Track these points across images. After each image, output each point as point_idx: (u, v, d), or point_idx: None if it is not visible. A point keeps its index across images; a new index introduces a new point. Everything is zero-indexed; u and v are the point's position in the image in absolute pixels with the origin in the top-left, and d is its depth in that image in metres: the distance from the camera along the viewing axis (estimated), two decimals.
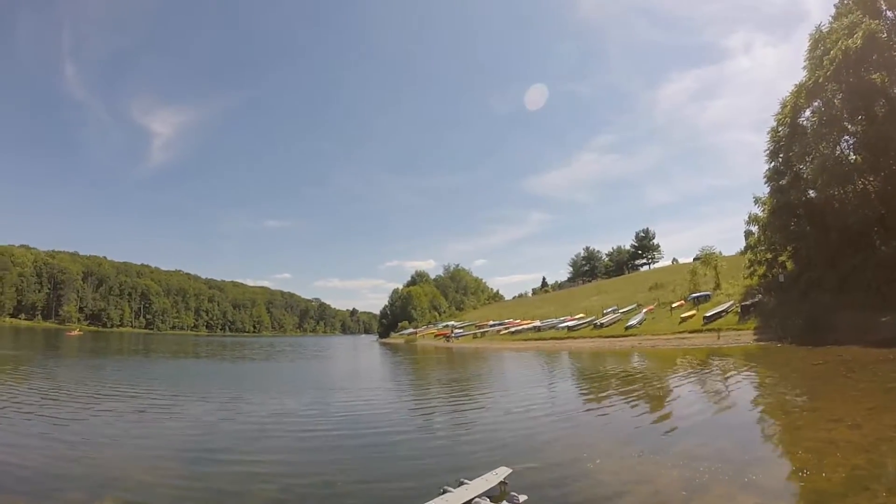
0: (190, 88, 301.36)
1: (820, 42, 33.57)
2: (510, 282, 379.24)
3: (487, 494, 7.64)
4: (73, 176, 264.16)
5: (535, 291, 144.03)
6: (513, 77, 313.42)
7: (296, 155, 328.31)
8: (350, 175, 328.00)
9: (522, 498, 7.50)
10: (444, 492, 7.68)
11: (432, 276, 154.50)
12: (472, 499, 7.40)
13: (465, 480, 7.99)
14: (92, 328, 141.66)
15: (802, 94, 34.16)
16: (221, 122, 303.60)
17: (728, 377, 20.97)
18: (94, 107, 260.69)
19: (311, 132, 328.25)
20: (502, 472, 8.35)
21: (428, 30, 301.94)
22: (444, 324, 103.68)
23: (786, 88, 36.87)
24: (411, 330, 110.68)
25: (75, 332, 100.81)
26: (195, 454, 10.89)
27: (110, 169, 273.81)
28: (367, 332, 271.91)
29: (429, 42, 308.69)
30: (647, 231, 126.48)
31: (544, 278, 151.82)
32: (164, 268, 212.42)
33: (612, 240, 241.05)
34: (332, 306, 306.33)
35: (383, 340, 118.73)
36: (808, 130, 34.23)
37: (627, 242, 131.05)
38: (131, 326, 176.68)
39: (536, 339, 59.23)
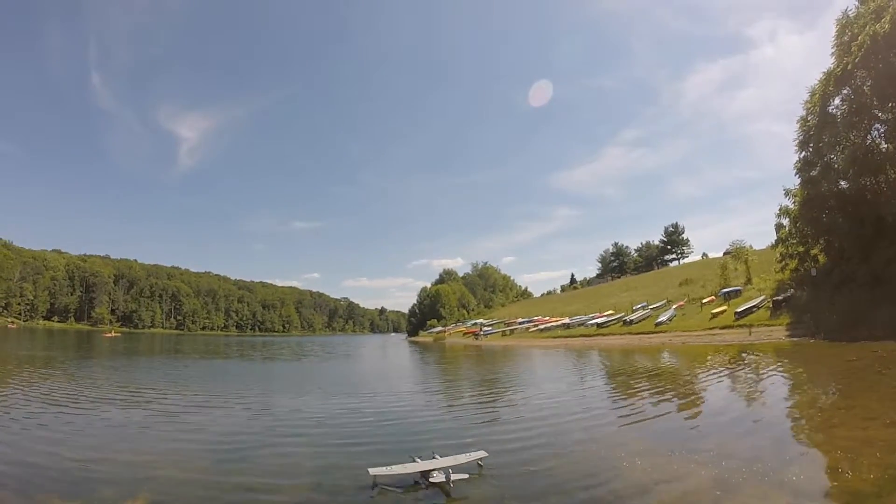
0: (216, 93, 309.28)
1: (847, 28, 32.74)
2: (539, 279, 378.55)
3: (462, 471, 8.84)
4: (104, 181, 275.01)
5: (563, 288, 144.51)
6: (537, 73, 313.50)
7: (323, 156, 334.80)
8: (377, 175, 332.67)
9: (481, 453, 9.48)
10: (413, 460, 9.09)
11: (460, 274, 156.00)
12: (436, 468, 8.63)
13: (437, 455, 9.18)
14: (123, 329, 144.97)
15: (831, 82, 33.28)
16: (248, 126, 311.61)
17: (760, 374, 20.74)
18: (122, 114, 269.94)
19: (338, 133, 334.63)
20: (476, 455, 9.49)
21: (451, 28, 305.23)
22: (473, 322, 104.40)
23: (814, 76, 36.37)
24: (440, 328, 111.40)
25: (112, 334, 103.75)
26: (226, 453, 11.11)
27: (139, 174, 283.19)
28: (395, 330, 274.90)
29: (453, 40, 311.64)
30: (675, 225, 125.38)
31: (573, 275, 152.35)
32: (193, 269, 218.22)
33: (641, 235, 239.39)
34: (361, 305, 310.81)
35: (412, 339, 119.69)
36: (838, 119, 33.39)
37: (656, 237, 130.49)
38: (162, 327, 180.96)
39: (565, 337, 59.28)
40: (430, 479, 8.56)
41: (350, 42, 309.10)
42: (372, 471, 8.49)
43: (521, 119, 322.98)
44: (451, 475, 8.46)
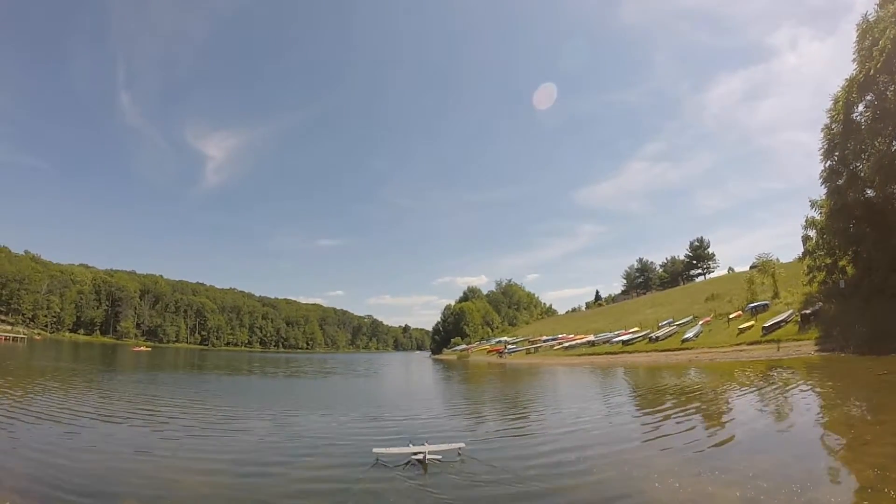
0: (241, 113, 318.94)
1: (868, 32, 32.05)
2: (563, 296, 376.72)
3: (445, 458, 11.18)
4: (131, 198, 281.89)
5: (588, 305, 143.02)
6: (559, 88, 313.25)
7: (347, 174, 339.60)
8: (400, 193, 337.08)
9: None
10: (408, 445, 11.72)
11: (484, 292, 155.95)
12: (428, 452, 10.93)
13: (427, 443, 11.46)
14: (149, 344, 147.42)
15: (854, 89, 32.73)
16: (272, 145, 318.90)
17: (789, 390, 20.23)
18: (149, 133, 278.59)
19: (361, 150, 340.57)
20: (457, 445, 11.91)
21: (471, 44, 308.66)
22: (497, 339, 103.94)
23: (836, 83, 35.36)
24: (464, 346, 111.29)
25: (141, 348, 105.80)
26: (249, 467, 11.15)
27: (166, 191, 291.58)
28: (419, 348, 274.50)
29: (472, 56, 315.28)
30: (701, 240, 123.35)
31: (598, 292, 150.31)
32: (218, 286, 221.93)
33: (666, 250, 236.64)
34: (385, 323, 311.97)
35: (436, 357, 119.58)
36: (862, 126, 32.77)
37: (682, 252, 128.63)
38: (187, 342, 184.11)
39: (590, 354, 58.72)
40: (417, 458, 10.98)
41: (370, 59, 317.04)
42: (375, 450, 11.50)
43: (544, 135, 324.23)
44: (430, 457, 10.86)
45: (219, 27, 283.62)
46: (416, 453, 11.10)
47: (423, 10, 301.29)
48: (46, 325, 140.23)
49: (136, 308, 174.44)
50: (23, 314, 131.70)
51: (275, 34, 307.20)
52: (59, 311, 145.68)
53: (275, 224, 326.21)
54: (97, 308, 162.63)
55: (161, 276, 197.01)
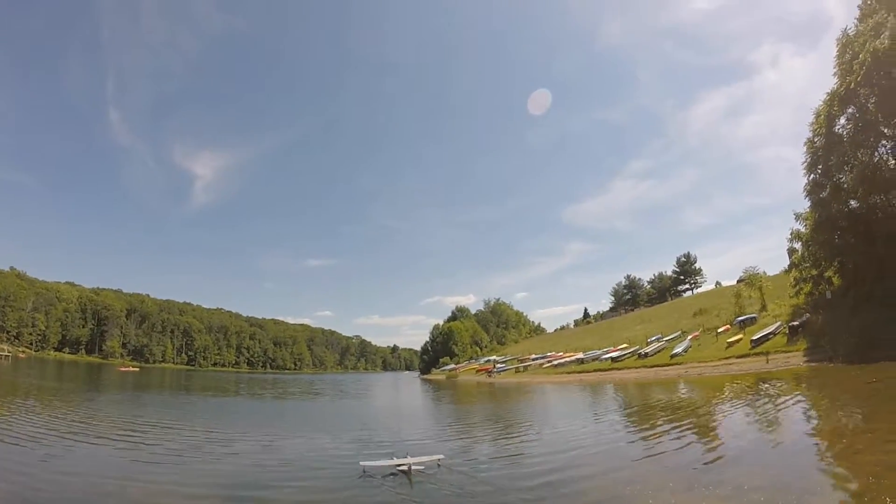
0: (230, 132, 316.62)
1: (848, 46, 32.58)
2: (552, 314, 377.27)
3: (426, 469, 12.28)
4: (119, 216, 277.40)
5: (577, 323, 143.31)
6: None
7: (335, 194, 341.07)
8: (388, 213, 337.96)
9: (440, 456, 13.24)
10: (391, 458, 12.83)
11: (473, 311, 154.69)
12: (412, 463, 12.11)
13: (409, 456, 12.60)
14: (136, 364, 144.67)
15: (835, 102, 33.14)
16: (261, 164, 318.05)
17: (779, 402, 20.16)
18: (138, 150, 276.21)
19: (349, 171, 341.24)
20: (436, 457, 13.15)
21: (459, 64, 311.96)
22: (486, 359, 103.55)
23: (818, 97, 35.87)
24: (452, 366, 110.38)
25: (129, 368, 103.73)
26: (236, 491, 10.96)
27: (154, 209, 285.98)
28: (408, 368, 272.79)
29: (461, 76, 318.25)
30: (688, 255, 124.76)
31: (586, 309, 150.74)
32: (206, 305, 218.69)
33: (654, 266, 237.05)
34: (373, 343, 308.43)
35: (425, 377, 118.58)
36: (845, 138, 33.10)
37: (669, 268, 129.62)
38: (173, 363, 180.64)
39: (580, 372, 58.49)
40: (401, 469, 12.07)
41: (359, 79, 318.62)
42: (362, 463, 12.64)
43: (530, 154, 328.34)
44: (414, 468, 12.00)
45: (209, 44, 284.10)
46: (399, 465, 12.20)
47: (414, 29, 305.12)
48: (31, 343, 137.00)
49: (122, 327, 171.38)
50: (7, 332, 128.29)
51: (264, 52, 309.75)
52: (44, 329, 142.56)
53: (263, 244, 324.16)
54: (83, 327, 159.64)
55: (148, 295, 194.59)
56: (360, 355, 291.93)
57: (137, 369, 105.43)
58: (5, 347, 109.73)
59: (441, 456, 13.27)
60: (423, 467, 12.21)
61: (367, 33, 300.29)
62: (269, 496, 10.59)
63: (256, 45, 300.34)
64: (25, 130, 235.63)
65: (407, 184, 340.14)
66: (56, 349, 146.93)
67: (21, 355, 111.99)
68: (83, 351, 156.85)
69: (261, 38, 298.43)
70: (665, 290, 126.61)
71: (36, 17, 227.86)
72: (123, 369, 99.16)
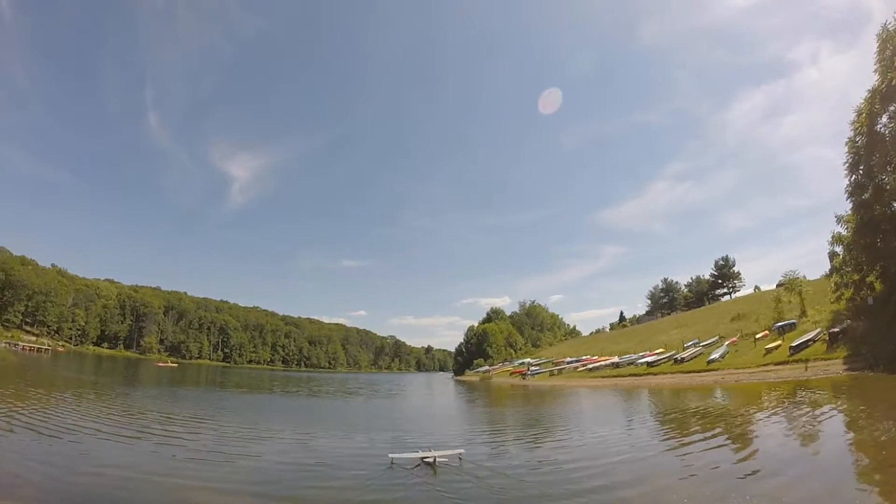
0: (267, 133, 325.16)
1: (888, 42, 31.33)
2: (587, 317, 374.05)
3: (448, 462, 13.47)
4: (157, 215, 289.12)
5: (612, 326, 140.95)
6: (579, 111, 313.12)
7: (370, 195, 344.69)
8: (423, 214, 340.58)
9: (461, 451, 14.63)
10: (417, 451, 14.11)
11: (508, 313, 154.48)
12: (437, 456, 13.31)
13: (432, 449, 14.01)
14: (173, 360, 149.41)
15: (877, 99, 31.94)
16: (296, 166, 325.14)
17: (817, 412, 19.57)
18: (176, 153, 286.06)
19: (383, 172, 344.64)
20: (458, 451, 14.60)
21: (494, 67, 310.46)
22: (520, 361, 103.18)
23: (859, 95, 34.51)
24: (486, 368, 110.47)
25: (168, 364, 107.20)
26: (268, 486, 11.18)
27: (192, 210, 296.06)
28: (442, 369, 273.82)
29: (495, 82, 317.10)
30: (726, 259, 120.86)
31: (622, 312, 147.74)
32: (242, 304, 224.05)
33: (691, 270, 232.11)
34: (408, 343, 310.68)
35: (458, 378, 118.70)
36: (887, 137, 31.79)
37: (706, 272, 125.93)
38: (209, 359, 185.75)
39: (614, 376, 57.93)
40: (426, 461, 13.22)
41: (394, 80, 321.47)
42: (391, 454, 13.92)
43: (565, 157, 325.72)
44: (438, 460, 13.19)
45: (243, 47, 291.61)
46: (424, 457, 13.38)
47: (443, 35, 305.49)
48: (71, 338, 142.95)
49: (159, 324, 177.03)
50: (48, 326, 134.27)
51: (298, 55, 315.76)
52: (83, 324, 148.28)
53: (298, 244, 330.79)
54: (121, 323, 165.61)
55: (185, 293, 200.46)
56: (394, 355, 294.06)
57: (176, 365, 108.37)
58: (45, 341, 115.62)
59: (462, 450, 14.65)
60: (446, 460, 13.47)
61: (396, 38, 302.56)
62: (301, 494, 10.79)
63: (290, 48, 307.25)
64: (68, 131, 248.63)
65: (439, 187, 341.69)
66: (95, 344, 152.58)
67: (60, 349, 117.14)
68: (121, 346, 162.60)
69: (294, 41, 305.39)
70: (703, 293, 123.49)
71: (76, 25, 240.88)
72: (161, 364, 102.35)
